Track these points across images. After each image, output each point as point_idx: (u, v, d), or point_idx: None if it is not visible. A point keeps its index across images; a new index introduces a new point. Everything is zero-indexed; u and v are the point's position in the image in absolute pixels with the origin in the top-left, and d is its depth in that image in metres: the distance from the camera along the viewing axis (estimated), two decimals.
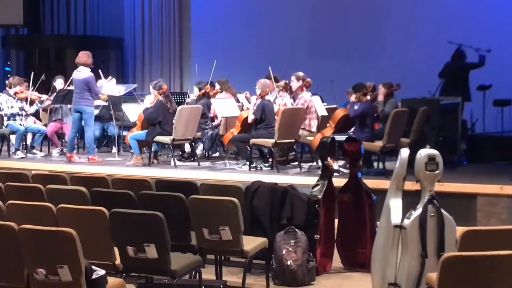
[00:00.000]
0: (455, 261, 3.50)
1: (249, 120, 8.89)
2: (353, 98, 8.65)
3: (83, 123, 9.42)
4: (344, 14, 13.67)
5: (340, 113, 8.84)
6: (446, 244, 4.49)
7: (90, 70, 9.34)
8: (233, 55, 14.10)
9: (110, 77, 10.19)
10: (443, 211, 4.58)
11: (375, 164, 8.65)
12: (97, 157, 9.52)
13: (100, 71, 10.10)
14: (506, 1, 12.74)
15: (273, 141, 8.56)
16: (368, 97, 8.51)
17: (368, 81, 8.83)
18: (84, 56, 9.37)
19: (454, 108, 9.50)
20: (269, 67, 9.38)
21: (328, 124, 8.89)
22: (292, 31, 14.00)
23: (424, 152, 4.65)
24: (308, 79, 9.43)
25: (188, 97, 10.84)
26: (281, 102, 9.29)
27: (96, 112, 10.64)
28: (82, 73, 9.27)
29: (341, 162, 8.17)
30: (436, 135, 8.85)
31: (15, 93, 10.35)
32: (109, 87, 10.05)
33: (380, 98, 9.14)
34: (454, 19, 12.76)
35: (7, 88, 10.42)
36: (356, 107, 8.42)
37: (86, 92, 9.23)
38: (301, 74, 9.45)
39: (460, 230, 4.18)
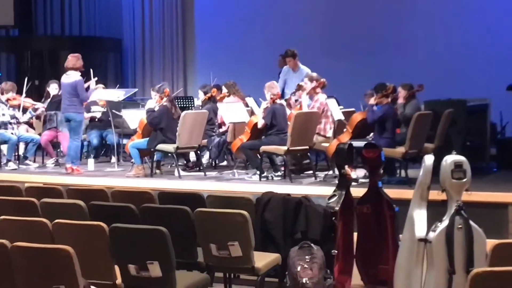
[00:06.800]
0: (485, 277, 3.49)
1: (259, 126, 8.90)
2: (372, 100, 8.64)
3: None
4: (362, 8, 13.63)
5: (358, 117, 8.82)
6: (476, 259, 4.48)
7: (80, 73, 9.34)
8: (241, 56, 14.11)
9: (95, 78, 9.97)
10: (471, 222, 4.57)
11: (397, 172, 8.64)
12: (81, 168, 9.53)
13: (91, 70, 10.00)
14: None
15: (285, 148, 8.56)
16: (389, 99, 8.50)
17: (388, 82, 8.81)
18: (72, 59, 9.36)
19: (482, 110, 9.47)
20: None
21: (345, 129, 8.88)
22: (304, 29, 13.95)
23: (450, 159, 4.65)
24: (322, 79, 9.42)
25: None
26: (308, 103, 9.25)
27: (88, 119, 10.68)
28: (71, 76, 9.29)
29: (360, 171, 8.16)
30: (463, 139, 8.84)
31: (7, 100, 10.40)
32: (97, 93, 10.03)
33: (401, 101, 9.13)
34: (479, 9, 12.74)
35: None
36: (375, 111, 8.41)
37: (74, 97, 9.24)
38: (314, 74, 9.47)
39: (490, 243, 4.17)
